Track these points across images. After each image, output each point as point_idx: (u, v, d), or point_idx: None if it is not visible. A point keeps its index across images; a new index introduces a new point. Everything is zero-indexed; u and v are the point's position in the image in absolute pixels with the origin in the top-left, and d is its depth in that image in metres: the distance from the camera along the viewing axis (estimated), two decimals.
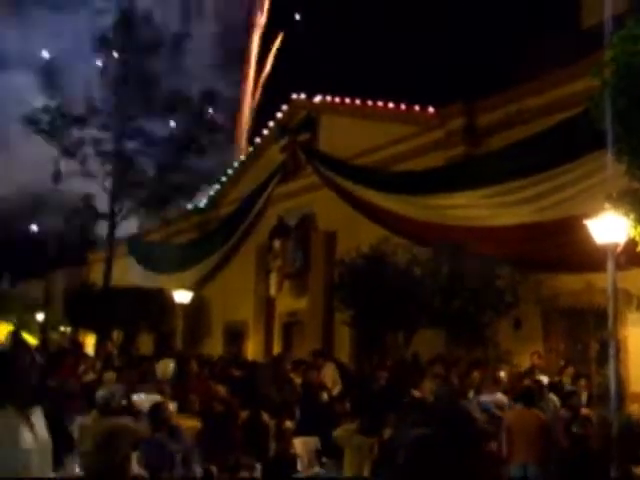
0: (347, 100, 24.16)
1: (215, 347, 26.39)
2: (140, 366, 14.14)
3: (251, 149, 30.17)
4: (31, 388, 5.32)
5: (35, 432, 5.02)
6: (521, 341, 16.48)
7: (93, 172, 30.26)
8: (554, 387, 12.81)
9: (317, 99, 25.44)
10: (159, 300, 27.22)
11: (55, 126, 29.37)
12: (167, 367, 13.35)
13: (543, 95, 17.49)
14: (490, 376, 12.81)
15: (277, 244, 25.59)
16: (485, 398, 11.50)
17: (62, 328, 30.83)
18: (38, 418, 5.15)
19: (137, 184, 30.47)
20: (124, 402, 9.38)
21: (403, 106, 21.99)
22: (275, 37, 37.96)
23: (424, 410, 9.82)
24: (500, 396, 11.55)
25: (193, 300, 25.99)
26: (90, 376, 13.15)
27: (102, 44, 29.34)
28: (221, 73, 33.63)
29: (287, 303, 25.19)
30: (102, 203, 31.51)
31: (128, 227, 32.27)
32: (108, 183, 30.33)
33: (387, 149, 21.65)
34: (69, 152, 29.95)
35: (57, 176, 30.65)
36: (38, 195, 33.17)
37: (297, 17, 36.21)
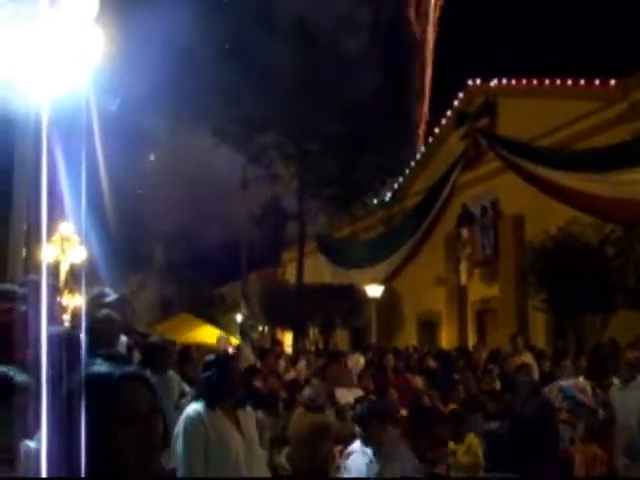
0: (524, 81, 23.73)
1: (409, 339, 26.64)
2: (338, 361, 14.47)
3: (431, 139, 30.18)
4: (241, 389, 5.76)
5: (242, 431, 5.43)
6: None
7: (279, 175, 31.48)
8: None
9: (493, 83, 25.15)
10: (352, 295, 27.78)
11: (241, 134, 30.69)
12: (357, 361, 13.64)
13: None
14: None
15: (465, 232, 25.51)
16: (565, 383, 10.73)
17: (260, 328, 32.09)
18: (248, 417, 5.56)
19: (322, 183, 31.32)
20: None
21: (582, 81, 21.37)
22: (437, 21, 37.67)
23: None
24: (581, 379, 10.70)
25: (385, 293, 26.42)
26: (291, 374, 13.65)
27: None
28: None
29: (479, 291, 25.08)
30: (291, 204, 32.66)
31: (317, 225, 33.15)
32: (294, 184, 31.40)
33: (569, 127, 21.09)
34: (255, 158, 31.24)
35: (245, 182, 32.06)
36: (228, 201, 34.72)
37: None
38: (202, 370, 5.60)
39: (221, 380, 5.38)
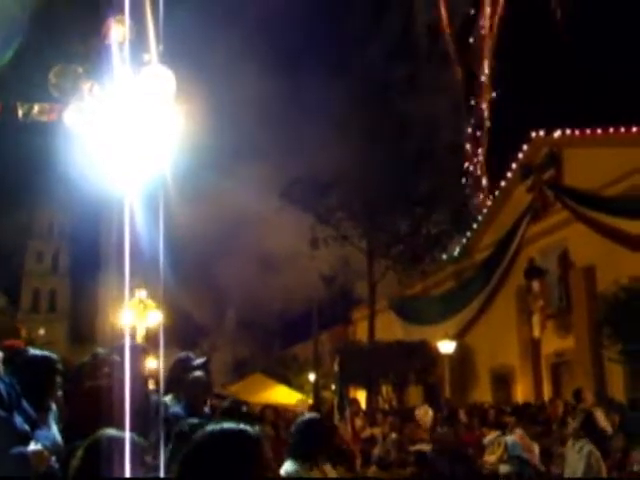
0: (588, 131, 23.67)
1: (483, 394, 26.34)
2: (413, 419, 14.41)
3: (497, 193, 30.15)
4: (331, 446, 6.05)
5: None
6: None
7: (348, 235, 31.75)
8: None
9: (557, 134, 25.09)
10: (424, 351, 27.67)
11: (307, 195, 31.23)
12: (426, 413, 13.43)
13: None
14: None
15: (536, 285, 25.27)
16: (510, 438, 10.48)
17: (333, 386, 32.00)
18: (331, 471, 5.81)
19: (391, 241, 31.46)
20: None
21: None
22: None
23: None
24: (526, 438, 10.31)
25: (457, 348, 26.26)
26: (367, 432, 13.69)
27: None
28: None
29: (552, 343, 24.72)
30: (359, 262, 32.80)
31: (387, 282, 33.13)
32: (363, 244, 31.61)
33: (636, 175, 20.91)
34: (323, 219, 31.62)
35: (315, 242, 32.39)
36: (294, 260, 35.05)
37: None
38: (298, 430, 5.78)
39: (320, 439, 5.62)
